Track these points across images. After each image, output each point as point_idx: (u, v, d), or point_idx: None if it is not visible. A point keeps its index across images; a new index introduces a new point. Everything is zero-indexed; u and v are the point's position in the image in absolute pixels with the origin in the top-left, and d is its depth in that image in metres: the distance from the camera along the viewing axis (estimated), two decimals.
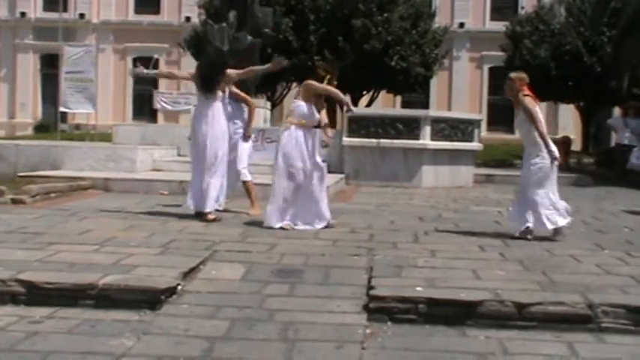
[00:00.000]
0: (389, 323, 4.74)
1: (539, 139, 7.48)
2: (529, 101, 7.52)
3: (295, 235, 7.41)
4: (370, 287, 5.17)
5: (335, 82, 8.16)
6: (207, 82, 8.32)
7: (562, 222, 7.58)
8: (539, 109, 7.66)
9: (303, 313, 4.76)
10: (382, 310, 4.82)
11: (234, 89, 9.06)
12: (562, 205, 7.66)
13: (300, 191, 7.89)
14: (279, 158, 7.86)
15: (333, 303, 4.97)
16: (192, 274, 5.55)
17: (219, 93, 8.38)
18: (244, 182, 9.08)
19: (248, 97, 9.45)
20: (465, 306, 4.82)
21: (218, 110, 8.34)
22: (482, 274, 5.71)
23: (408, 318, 4.79)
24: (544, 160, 7.51)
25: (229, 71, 8.51)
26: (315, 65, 9.35)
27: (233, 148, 8.90)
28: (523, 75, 7.78)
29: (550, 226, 7.53)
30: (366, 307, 4.88)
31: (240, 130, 9.08)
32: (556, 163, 7.51)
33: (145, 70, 9.81)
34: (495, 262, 6.27)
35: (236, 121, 9.03)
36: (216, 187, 8.27)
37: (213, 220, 8.17)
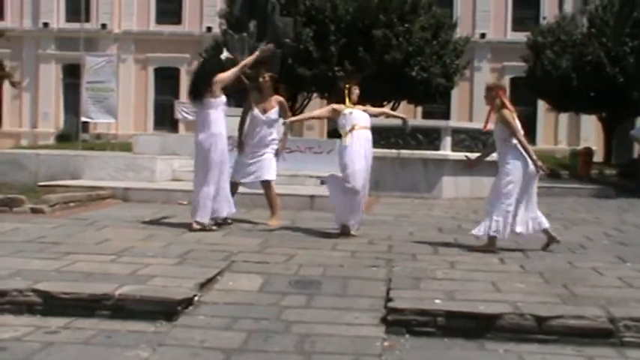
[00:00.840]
0: (407, 336, 4.70)
1: (520, 149, 7.35)
2: (508, 114, 7.39)
3: (313, 246, 7.38)
4: (388, 299, 5.13)
5: (357, 90, 8.23)
6: (195, 91, 8.29)
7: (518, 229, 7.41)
8: (518, 120, 7.50)
9: (321, 325, 4.72)
10: (400, 322, 4.78)
11: (281, 99, 9.07)
12: (531, 216, 7.47)
13: (358, 195, 8.00)
14: (347, 163, 7.92)
15: (350, 315, 4.93)
16: (209, 284, 5.53)
17: (211, 100, 8.20)
18: (268, 192, 9.00)
19: (289, 111, 9.39)
20: (484, 319, 4.76)
21: (210, 118, 8.19)
22: (502, 287, 5.64)
23: (426, 331, 4.74)
24: (516, 170, 7.34)
25: (220, 75, 8.31)
26: (335, 76, 9.37)
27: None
28: (500, 83, 7.79)
29: (491, 232, 7.33)
30: (384, 320, 4.83)
31: (274, 145, 8.98)
32: (541, 173, 7.38)
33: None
34: (515, 275, 6.20)
35: (274, 136, 9.00)
36: (209, 196, 8.19)
37: (199, 230, 8.06)
